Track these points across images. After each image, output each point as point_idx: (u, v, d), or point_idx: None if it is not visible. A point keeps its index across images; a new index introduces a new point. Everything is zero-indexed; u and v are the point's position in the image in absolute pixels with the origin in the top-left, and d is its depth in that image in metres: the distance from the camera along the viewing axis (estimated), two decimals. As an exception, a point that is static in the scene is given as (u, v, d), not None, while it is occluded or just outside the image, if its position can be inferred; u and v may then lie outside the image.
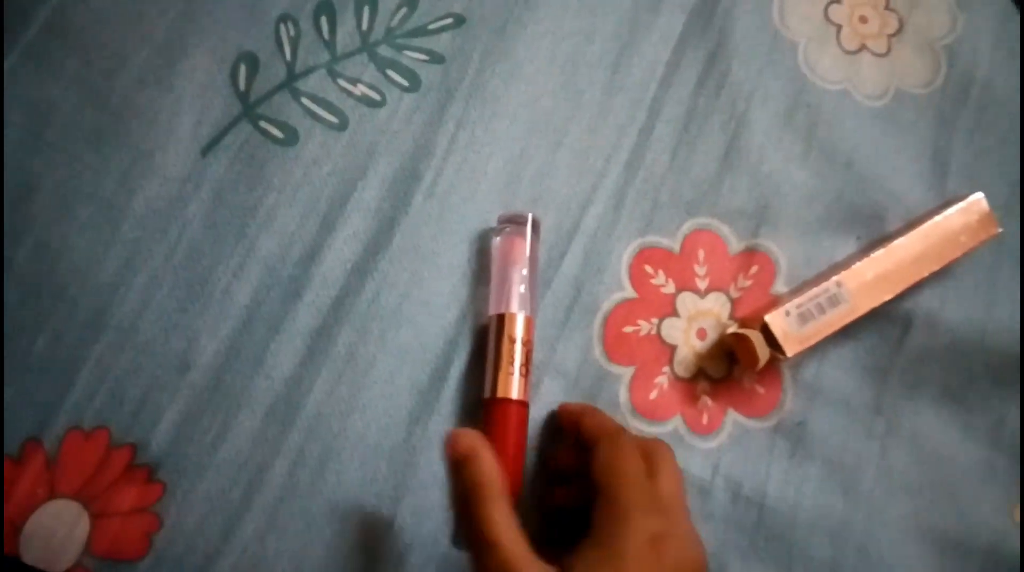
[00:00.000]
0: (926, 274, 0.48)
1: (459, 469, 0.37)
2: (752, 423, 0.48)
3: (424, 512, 0.44)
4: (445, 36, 0.52)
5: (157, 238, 0.46)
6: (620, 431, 0.41)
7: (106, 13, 0.49)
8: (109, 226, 0.45)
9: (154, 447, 0.42)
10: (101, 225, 0.45)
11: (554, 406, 0.46)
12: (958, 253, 0.49)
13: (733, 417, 0.48)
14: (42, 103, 0.47)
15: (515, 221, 0.47)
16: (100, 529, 0.41)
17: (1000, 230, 0.49)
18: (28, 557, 0.40)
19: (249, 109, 0.49)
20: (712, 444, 0.47)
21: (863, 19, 0.57)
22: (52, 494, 0.41)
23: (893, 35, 0.56)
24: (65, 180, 0.46)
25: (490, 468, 0.36)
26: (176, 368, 0.44)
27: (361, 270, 0.47)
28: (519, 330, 0.44)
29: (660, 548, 0.35)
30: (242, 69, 0.49)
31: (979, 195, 0.50)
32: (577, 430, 0.43)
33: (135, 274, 0.45)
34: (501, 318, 0.45)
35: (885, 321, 0.49)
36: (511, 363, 0.44)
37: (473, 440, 0.37)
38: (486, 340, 0.45)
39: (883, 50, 0.56)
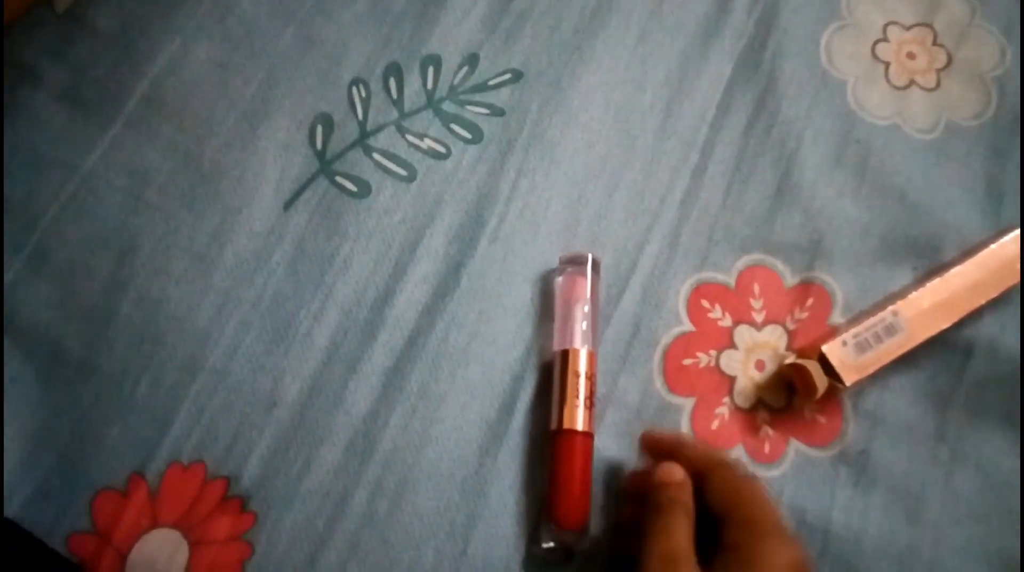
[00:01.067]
0: (983, 302, 0.49)
1: (662, 488, 0.41)
2: (814, 452, 0.48)
3: (495, 539, 0.46)
4: (504, 91, 0.55)
5: (245, 287, 0.49)
6: (729, 459, 0.43)
7: (196, 84, 0.54)
8: (202, 277, 0.49)
9: (245, 479, 0.46)
10: (195, 277, 0.49)
11: (619, 437, 0.48)
12: (1015, 280, 0.49)
13: (795, 446, 0.48)
14: (142, 168, 0.51)
15: (576, 261, 0.49)
16: (198, 557, 0.44)
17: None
18: (134, 583, 0.44)
19: (326, 166, 0.53)
20: (775, 473, 0.48)
21: (911, 55, 0.58)
22: (154, 524, 0.45)
23: (942, 69, 0.58)
24: (163, 237, 0.50)
25: (687, 494, 0.41)
26: (264, 406, 0.47)
27: (431, 312, 0.50)
28: (583, 364, 0.46)
29: None
30: (319, 129, 0.53)
31: (1035, 222, 0.50)
32: (669, 457, 0.43)
33: (226, 320, 0.49)
34: (565, 353, 0.47)
35: (945, 349, 0.50)
36: (576, 396, 0.46)
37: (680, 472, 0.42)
38: (551, 375, 0.47)
39: (932, 84, 0.57)
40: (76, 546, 0.44)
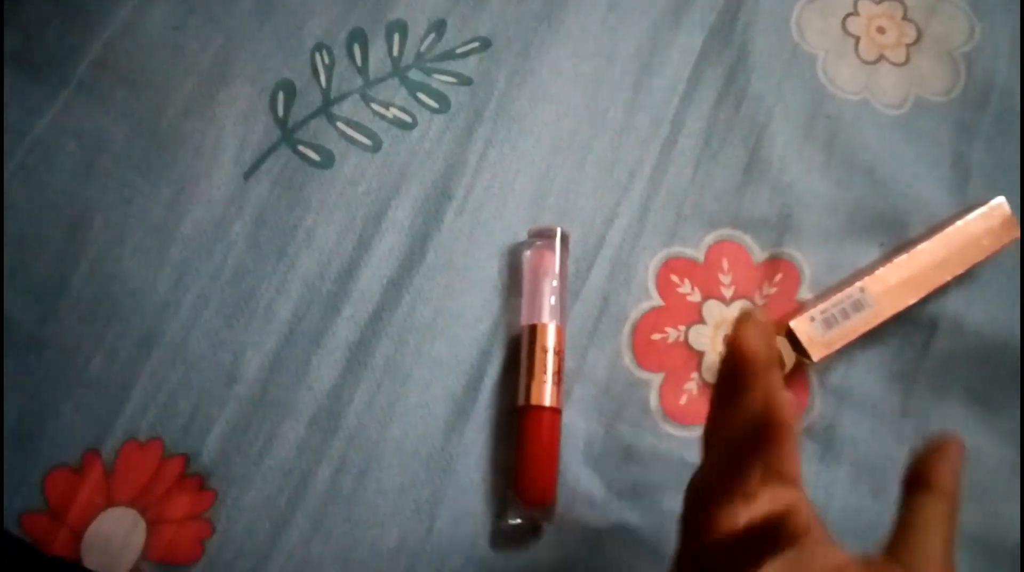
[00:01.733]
0: (949, 278, 0.49)
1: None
2: (780, 427, 0.48)
3: (461, 516, 0.45)
4: (472, 59, 0.54)
5: (204, 259, 0.48)
6: None
7: (152, 48, 0.52)
8: (159, 249, 0.48)
9: (205, 457, 0.45)
10: (151, 248, 0.48)
11: (587, 412, 0.47)
12: (981, 257, 0.49)
13: (761, 421, 0.48)
14: (94, 134, 0.50)
15: (544, 235, 0.49)
16: (156, 535, 0.43)
17: (1022, 234, 0.50)
18: (89, 562, 0.42)
19: (288, 134, 0.51)
20: (741, 448, 0.48)
21: (881, 30, 0.58)
22: (110, 502, 0.44)
23: (911, 44, 0.58)
24: (117, 206, 0.48)
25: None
26: (224, 381, 0.46)
27: (396, 285, 0.49)
28: (551, 340, 0.46)
29: None
30: (280, 97, 0.52)
31: (1001, 199, 0.50)
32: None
33: (184, 293, 0.47)
34: (533, 328, 0.46)
35: (911, 325, 0.50)
36: (544, 371, 0.45)
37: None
38: (518, 350, 0.47)
39: (902, 60, 0.57)
40: (29, 525, 0.43)
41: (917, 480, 0.36)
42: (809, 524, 0.29)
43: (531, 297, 0.48)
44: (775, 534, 0.30)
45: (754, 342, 0.32)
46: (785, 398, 0.30)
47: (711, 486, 0.35)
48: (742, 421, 0.32)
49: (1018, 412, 0.49)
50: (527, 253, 0.49)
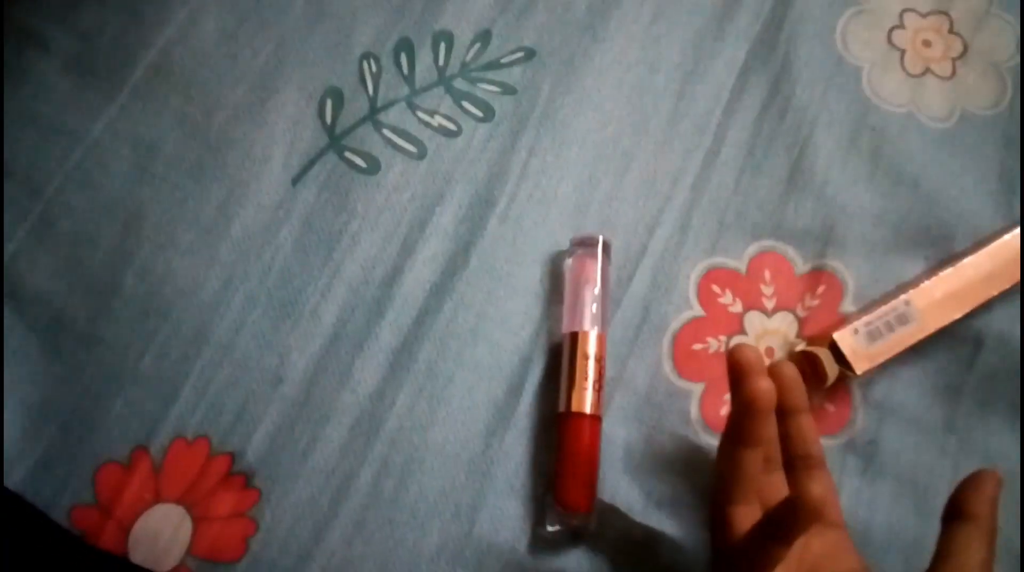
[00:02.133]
0: (995, 293, 0.48)
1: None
2: (823, 440, 0.48)
3: (500, 520, 0.45)
4: (517, 69, 0.55)
5: (252, 261, 0.49)
6: None
7: (205, 54, 0.53)
8: (209, 250, 0.49)
9: (250, 456, 0.45)
10: (201, 249, 0.49)
11: (627, 420, 0.48)
12: (1027, 271, 0.49)
13: (802, 434, 0.48)
14: (148, 138, 0.51)
15: (587, 243, 0.49)
16: (201, 532, 0.44)
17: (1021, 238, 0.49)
18: (136, 557, 0.43)
19: (335, 141, 0.52)
20: (782, 460, 0.48)
21: (927, 43, 0.57)
22: (158, 498, 0.44)
23: (957, 58, 0.57)
24: (169, 208, 0.49)
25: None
26: (270, 382, 0.47)
27: (439, 291, 0.49)
28: (592, 347, 0.46)
29: None
30: (328, 104, 0.53)
31: (1048, 214, 0.50)
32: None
33: (233, 295, 0.48)
34: (575, 336, 0.46)
35: (956, 340, 0.49)
36: (585, 379, 0.45)
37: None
38: (560, 357, 0.47)
39: (948, 73, 0.57)
40: (78, 518, 0.44)
41: (954, 511, 0.37)
42: (821, 507, 0.32)
43: (572, 304, 0.48)
44: (786, 518, 0.34)
45: (748, 351, 0.38)
46: (783, 373, 0.40)
47: (726, 487, 0.40)
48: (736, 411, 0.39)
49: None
50: (569, 261, 0.49)
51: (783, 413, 0.41)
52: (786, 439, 0.42)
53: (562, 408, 0.46)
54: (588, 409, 0.45)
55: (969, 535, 0.36)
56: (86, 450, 0.45)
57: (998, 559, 0.45)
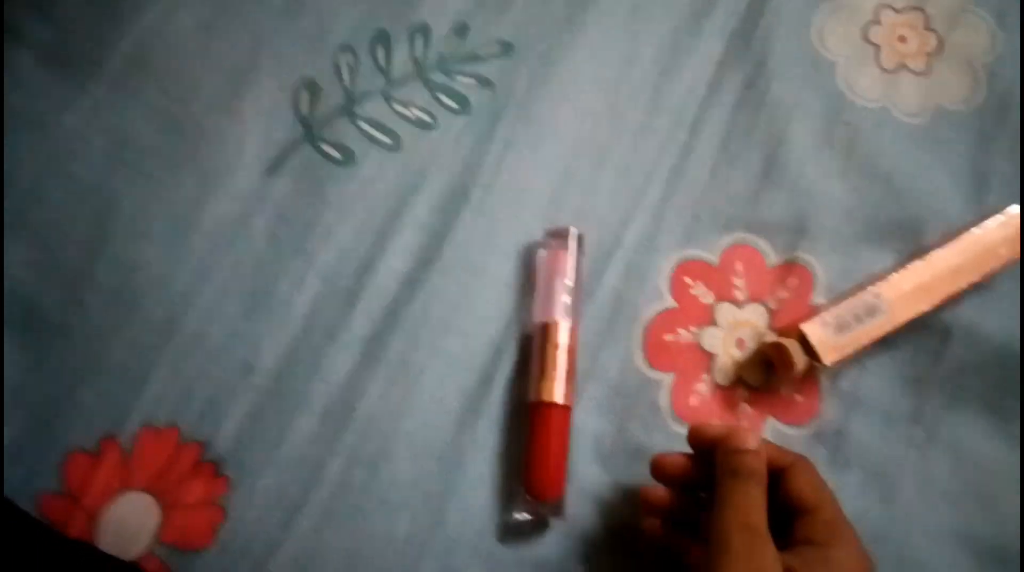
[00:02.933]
0: (964, 286, 0.49)
1: (740, 455, 0.40)
2: (791, 430, 0.49)
3: (470, 510, 0.46)
4: (494, 62, 0.55)
5: (225, 251, 0.49)
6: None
7: (180, 46, 0.53)
8: (181, 241, 0.49)
9: (220, 444, 0.45)
10: (174, 240, 0.49)
11: (598, 411, 0.48)
12: (996, 265, 0.49)
13: (772, 424, 0.49)
14: (122, 128, 0.51)
15: (560, 235, 0.49)
16: (170, 520, 0.44)
17: (1021, 236, 0.50)
18: (103, 544, 0.43)
19: (310, 132, 0.52)
20: (751, 451, 0.48)
21: (902, 39, 0.58)
22: (126, 486, 0.44)
23: (932, 54, 0.57)
24: (142, 199, 0.49)
25: (763, 464, 0.40)
26: (240, 372, 0.47)
27: (412, 282, 0.49)
28: (563, 337, 0.46)
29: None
30: (304, 95, 0.53)
31: (1017, 208, 0.50)
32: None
33: (205, 284, 0.48)
34: (546, 326, 0.47)
35: (924, 332, 0.50)
36: (555, 368, 0.46)
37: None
38: (531, 348, 0.47)
39: (922, 69, 0.57)
40: (46, 507, 0.44)
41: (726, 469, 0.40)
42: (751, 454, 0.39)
43: (545, 296, 0.48)
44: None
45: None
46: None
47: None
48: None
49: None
50: (542, 252, 0.50)
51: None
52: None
53: (532, 398, 0.46)
54: (558, 399, 0.45)
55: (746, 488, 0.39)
56: (55, 438, 0.45)
57: (1010, 569, 0.46)
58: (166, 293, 0.48)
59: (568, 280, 0.48)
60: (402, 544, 0.45)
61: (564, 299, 0.47)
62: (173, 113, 0.51)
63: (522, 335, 0.49)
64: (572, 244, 0.49)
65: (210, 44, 0.53)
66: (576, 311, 0.48)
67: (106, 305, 0.47)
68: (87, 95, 0.51)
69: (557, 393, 0.45)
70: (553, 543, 0.46)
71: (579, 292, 0.49)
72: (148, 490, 0.44)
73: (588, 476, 0.47)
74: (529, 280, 0.50)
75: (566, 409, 0.46)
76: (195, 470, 0.45)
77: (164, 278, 0.48)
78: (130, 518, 0.44)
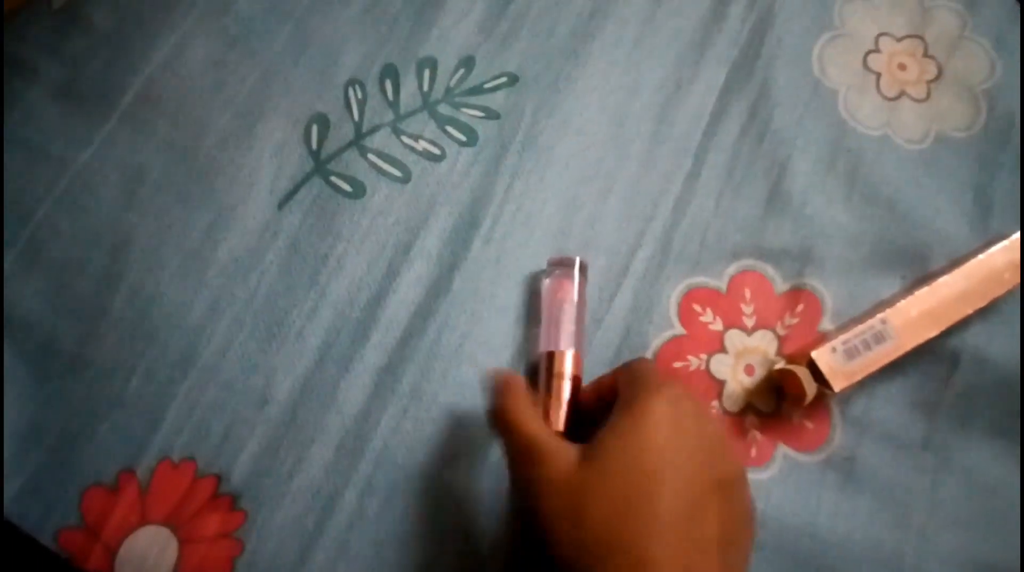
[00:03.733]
0: (971, 311, 0.49)
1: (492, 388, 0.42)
2: (802, 457, 0.49)
3: (485, 540, 0.46)
4: (500, 94, 0.56)
5: (238, 285, 0.50)
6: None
7: (192, 82, 0.54)
8: (196, 274, 0.49)
9: (236, 477, 0.46)
10: (188, 274, 0.49)
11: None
12: (1002, 290, 0.50)
13: (783, 451, 0.49)
14: (136, 164, 0.51)
15: (563, 264, 0.50)
16: (187, 553, 0.44)
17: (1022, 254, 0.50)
18: (122, 579, 0.44)
19: (321, 166, 0.53)
20: (763, 476, 0.48)
21: (902, 66, 0.59)
22: (144, 520, 0.45)
23: (932, 81, 0.58)
24: (156, 233, 0.50)
25: (515, 379, 0.42)
26: (256, 404, 0.47)
27: (424, 312, 0.50)
28: (568, 366, 0.46)
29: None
30: (314, 129, 0.54)
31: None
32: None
33: (219, 318, 0.49)
34: (551, 355, 0.47)
35: (933, 358, 0.50)
36: (559, 398, 0.46)
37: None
38: (536, 376, 0.48)
39: (923, 96, 0.58)
40: (65, 541, 0.44)
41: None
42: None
43: (548, 325, 0.48)
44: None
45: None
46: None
47: None
48: None
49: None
50: (546, 281, 0.50)
51: None
52: None
53: None
54: (561, 427, 0.45)
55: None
56: (73, 473, 0.45)
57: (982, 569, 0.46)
58: (181, 326, 0.48)
59: (572, 308, 0.48)
60: (418, 575, 0.45)
61: (569, 327, 0.48)
62: (185, 148, 0.52)
63: (529, 364, 0.49)
64: (575, 272, 0.49)
65: (221, 80, 0.54)
66: (581, 339, 0.48)
67: (122, 339, 0.48)
68: (101, 131, 0.52)
69: (560, 422, 0.45)
70: None
71: (584, 320, 0.49)
72: (166, 524, 0.45)
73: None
74: (534, 309, 0.50)
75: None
76: (212, 503, 0.45)
77: (179, 311, 0.49)
78: (148, 552, 0.44)
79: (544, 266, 0.51)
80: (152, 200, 0.51)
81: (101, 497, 0.45)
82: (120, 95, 0.53)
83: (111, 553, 0.44)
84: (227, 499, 0.45)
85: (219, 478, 0.46)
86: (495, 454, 0.47)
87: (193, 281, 0.49)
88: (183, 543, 0.45)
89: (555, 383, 0.46)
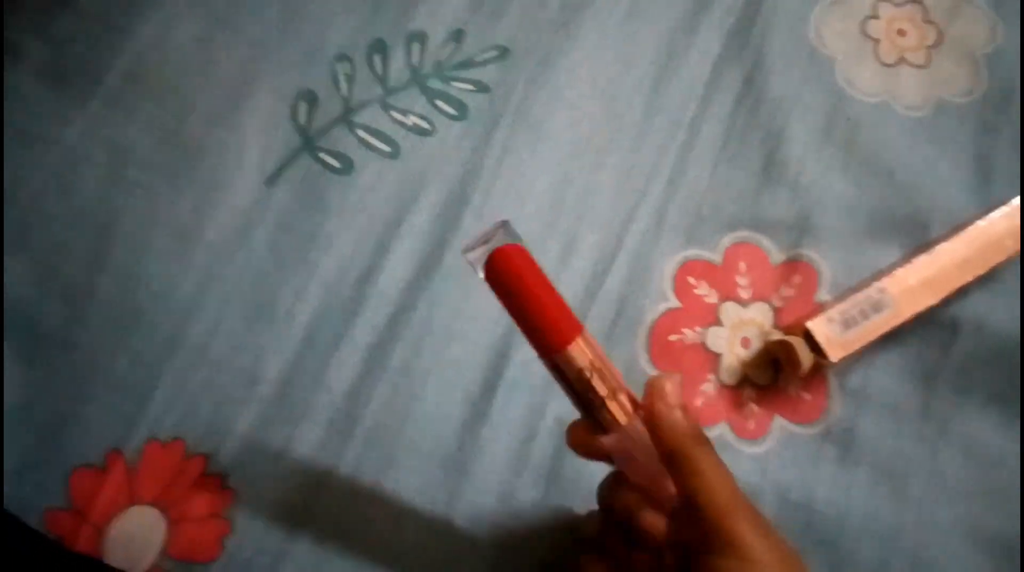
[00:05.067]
0: (971, 279, 0.48)
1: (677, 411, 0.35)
2: (799, 429, 0.48)
3: (477, 516, 0.45)
4: (491, 67, 0.55)
5: (227, 263, 0.49)
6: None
7: (178, 60, 0.53)
8: (183, 254, 0.49)
9: (225, 456, 0.45)
10: (176, 253, 0.49)
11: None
12: (1002, 257, 0.49)
13: (780, 423, 0.48)
14: (122, 143, 0.51)
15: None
16: (176, 533, 0.44)
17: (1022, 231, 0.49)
18: (111, 559, 0.43)
19: (309, 142, 0.52)
20: (760, 449, 0.47)
21: (901, 32, 0.57)
22: (132, 501, 0.44)
23: (932, 47, 0.57)
24: (143, 213, 0.50)
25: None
26: (245, 383, 0.47)
27: (414, 289, 0.49)
28: (587, 355, 0.34)
29: None
30: (302, 106, 0.53)
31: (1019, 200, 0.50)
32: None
33: (207, 297, 0.48)
34: (562, 356, 0.34)
35: (932, 327, 0.49)
36: (599, 394, 0.35)
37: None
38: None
39: (922, 62, 0.57)
40: (52, 523, 0.44)
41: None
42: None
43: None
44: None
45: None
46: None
47: None
48: None
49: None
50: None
51: None
52: None
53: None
54: (630, 413, 0.35)
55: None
56: (60, 454, 0.45)
57: (1010, 555, 0.45)
58: (169, 306, 0.48)
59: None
60: (409, 553, 0.44)
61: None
62: (172, 127, 0.52)
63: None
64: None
65: (207, 57, 0.53)
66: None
67: (109, 319, 0.47)
68: (86, 111, 0.51)
69: (622, 413, 0.35)
70: (560, 547, 0.45)
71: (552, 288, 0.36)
72: (154, 504, 0.44)
73: (595, 477, 0.46)
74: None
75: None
76: (201, 483, 0.45)
77: (167, 291, 0.48)
78: (137, 532, 0.44)
79: (537, 241, 0.50)
80: (138, 180, 0.50)
81: (89, 478, 0.45)
82: (105, 74, 0.52)
83: (99, 534, 0.44)
84: (216, 478, 0.45)
85: (208, 457, 0.45)
86: (486, 430, 0.47)
87: (180, 261, 0.49)
88: (172, 523, 0.44)
89: (587, 382, 0.34)
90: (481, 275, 0.33)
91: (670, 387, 0.36)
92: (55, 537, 0.43)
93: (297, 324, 0.48)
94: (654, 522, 0.36)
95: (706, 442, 0.35)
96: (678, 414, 0.35)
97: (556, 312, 0.34)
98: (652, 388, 0.36)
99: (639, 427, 0.35)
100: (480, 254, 0.33)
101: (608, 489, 0.39)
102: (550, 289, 0.34)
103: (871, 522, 0.46)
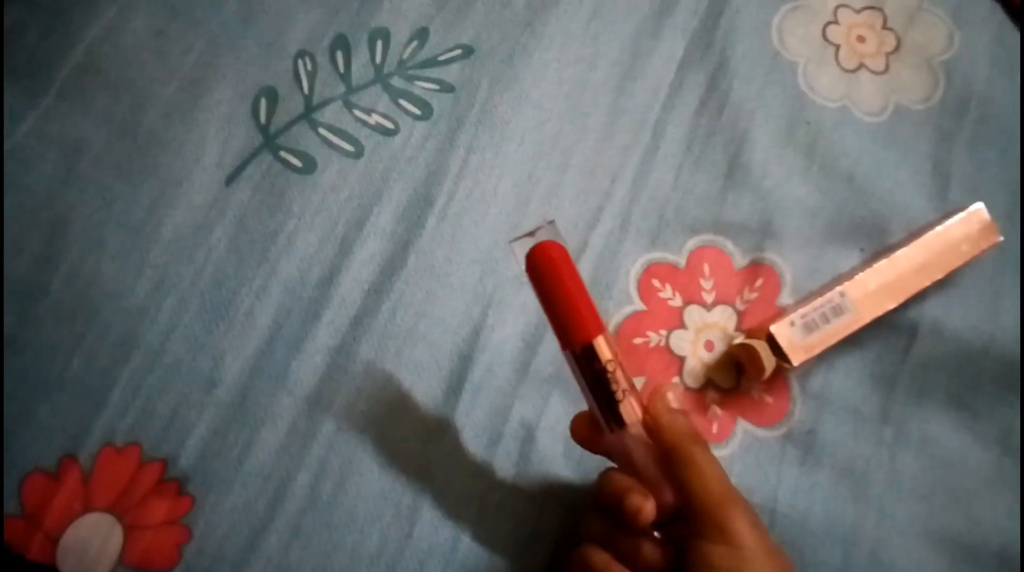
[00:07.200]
0: (929, 283, 0.49)
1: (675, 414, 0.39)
2: (762, 432, 0.49)
3: (440, 521, 0.45)
4: (455, 66, 0.54)
5: (184, 263, 0.48)
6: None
7: (134, 53, 0.52)
8: (139, 253, 0.48)
9: (183, 462, 0.44)
10: (131, 252, 0.48)
11: (568, 415, 0.47)
12: (960, 262, 0.50)
13: (743, 426, 0.49)
14: (75, 138, 0.49)
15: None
16: (133, 541, 0.43)
17: (1001, 239, 0.50)
18: (65, 568, 0.42)
19: (270, 140, 0.51)
20: (723, 452, 0.48)
21: (861, 38, 0.58)
22: (87, 508, 0.43)
23: (891, 53, 0.58)
24: (97, 210, 0.48)
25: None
26: (203, 386, 0.46)
27: (377, 291, 0.49)
28: (610, 350, 0.38)
29: None
30: (263, 103, 0.52)
31: (979, 205, 0.51)
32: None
33: (164, 297, 0.47)
34: (584, 350, 0.38)
35: (891, 330, 0.50)
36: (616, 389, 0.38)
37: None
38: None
39: (881, 68, 0.57)
40: (5, 530, 0.42)
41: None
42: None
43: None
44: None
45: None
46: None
47: None
48: None
49: (998, 415, 0.49)
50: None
51: None
52: None
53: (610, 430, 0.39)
54: (639, 415, 0.38)
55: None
56: (12, 459, 0.43)
57: (980, 564, 0.46)
58: (124, 306, 0.47)
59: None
60: (373, 558, 0.44)
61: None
62: (127, 122, 0.50)
63: (491, 342, 0.48)
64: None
65: (164, 51, 0.52)
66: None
67: (62, 320, 0.46)
68: (38, 105, 0.50)
69: (633, 413, 0.38)
70: (528, 551, 0.45)
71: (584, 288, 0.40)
72: (110, 511, 0.43)
73: (560, 481, 0.46)
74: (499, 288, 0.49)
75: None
76: (158, 489, 0.44)
77: (121, 291, 0.47)
78: (91, 540, 0.43)
79: (501, 242, 0.50)
80: (92, 176, 0.49)
81: (42, 484, 0.43)
82: (58, 67, 0.51)
83: (53, 542, 0.42)
84: (174, 484, 0.44)
85: (165, 463, 0.44)
86: (449, 434, 0.46)
87: (136, 260, 0.47)
88: (128, 530, 0.43)
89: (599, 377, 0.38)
90: (522, 266, 0.39)
91: (672, 394, 0.40)
92: (7, 544, 0.42)
93: (257, 326, 0.47)
94: (641, 503, 0.37)
95: (703, 442, 0.39)
96: (678, 415, 0.39)
97: (587, 308, 0.39)
98: (655, 393, 0.40)
99: (642, 431, 0.39)
100: (524, 245, 0.39)
101: (601, 477, 0.40)
102: (582, 287, 0.39)
103: (832, 523, 0.47)
